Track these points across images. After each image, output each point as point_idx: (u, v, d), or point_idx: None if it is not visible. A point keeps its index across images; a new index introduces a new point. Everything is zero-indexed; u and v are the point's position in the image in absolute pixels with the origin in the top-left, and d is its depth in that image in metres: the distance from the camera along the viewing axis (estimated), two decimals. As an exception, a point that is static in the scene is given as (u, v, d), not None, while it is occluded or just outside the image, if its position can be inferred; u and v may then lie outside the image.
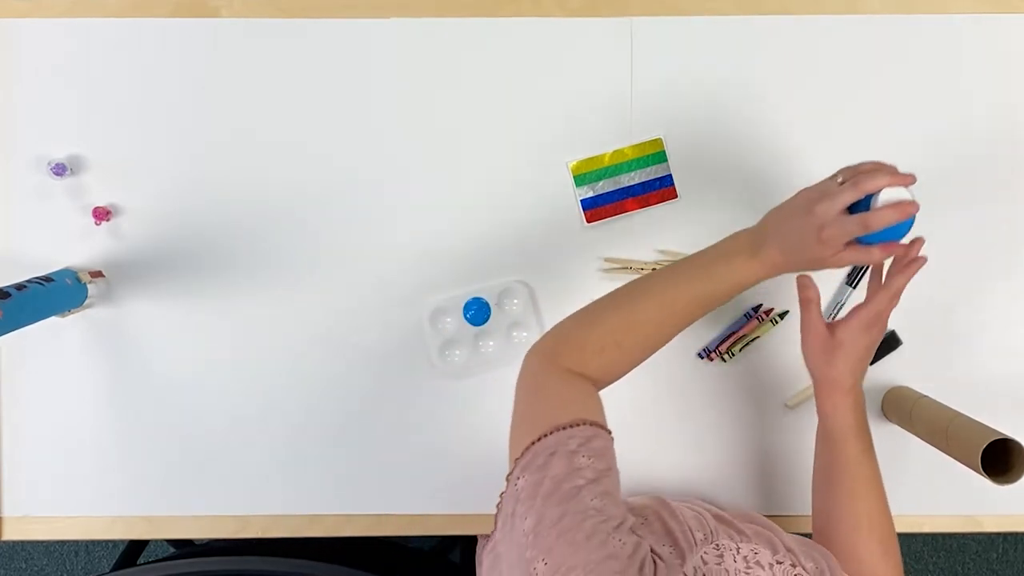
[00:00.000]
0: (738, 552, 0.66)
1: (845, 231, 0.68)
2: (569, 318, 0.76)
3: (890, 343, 0.96)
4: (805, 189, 0.73)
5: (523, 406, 0.69)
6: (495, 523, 0.64)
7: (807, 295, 0.79)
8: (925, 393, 0.94)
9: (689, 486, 0.98)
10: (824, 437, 0.81)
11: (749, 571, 0.63)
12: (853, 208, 0.70)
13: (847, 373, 0.78)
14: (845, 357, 0.78)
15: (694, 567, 0.62)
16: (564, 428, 0.62)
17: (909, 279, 0.74)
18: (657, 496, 0.79)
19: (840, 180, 0.70)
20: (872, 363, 0.96)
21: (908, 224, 0.70)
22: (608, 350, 0.72)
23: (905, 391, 0.96)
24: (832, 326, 0.78)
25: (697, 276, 0.74)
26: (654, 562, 0.54)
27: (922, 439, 0.90)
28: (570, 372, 0.71)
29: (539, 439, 0.62)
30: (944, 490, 0.99)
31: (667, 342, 0.75)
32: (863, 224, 0.67)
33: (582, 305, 0.97)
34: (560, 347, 0.73)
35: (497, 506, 0.64)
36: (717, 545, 0.66)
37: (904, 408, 0.93)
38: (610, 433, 0.65)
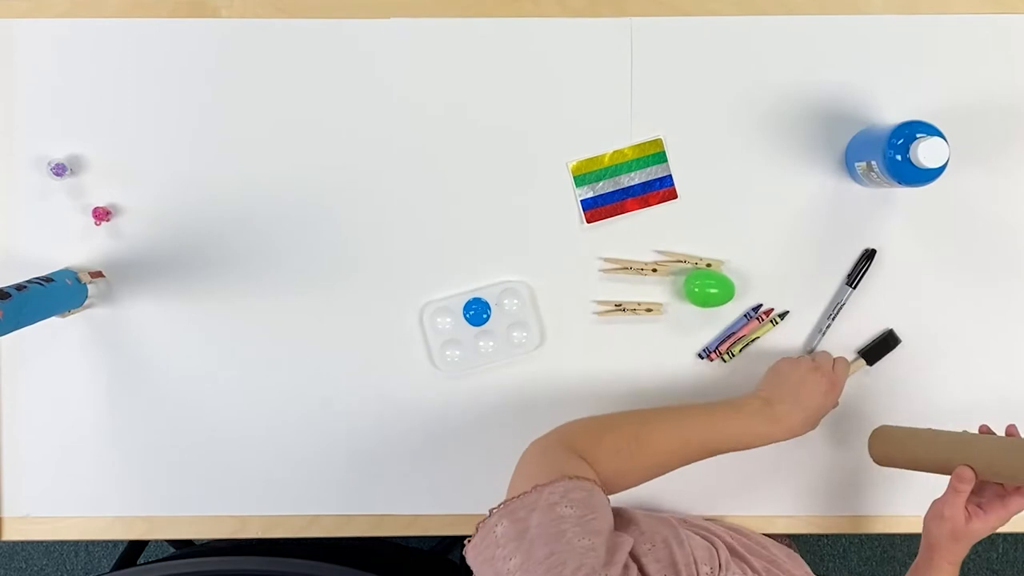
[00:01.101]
0: None
1: (844, 377, 0.89)
2: (581, 420, 0.79)
3: (888, 342, 0.96)
4: (787, 364, 0.89)
5: (515, 474, 0.72)
6: (465, 557, 0.65)
7: (962, 487, 0.78)
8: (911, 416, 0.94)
9: (688, 486, 0.98)
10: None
11: None
12: (892, 155, 0.81)
13: (966, 548, 0.81)
14: (972, 542, 0.81)
15: None
16: (544, 486, 0.64)
17: None
18: (671, 518, 0.79)
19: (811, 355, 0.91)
20: (871, 363, 0.96)
21: (940, 170, 0.80)
22: (623, 453, 0.75)
23: (893, 431, 0.90)
24: (971, 517, 0.79)
25: (715, 430, 0.80)
26: None
27: (932, 471, 0.83)
28: (573, 451, 0.72)
29: (519, 496, 0.64)
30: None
31: (675, 469, 0.79)
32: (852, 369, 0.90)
33: (581, 304, 0.97)
34: (574, 436, 0.75)
35: (467, 540, 0.65)
36: None
37: (896, 448, 0.88)
38: (594, 482, 0.67)
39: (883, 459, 0.89)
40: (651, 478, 0.78)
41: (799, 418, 0.83)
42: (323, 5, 0.96)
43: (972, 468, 0.76)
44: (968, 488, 0.77)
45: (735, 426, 0.81)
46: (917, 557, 0.84)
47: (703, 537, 0.74)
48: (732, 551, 0.76)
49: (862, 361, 0.96)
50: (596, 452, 0.73)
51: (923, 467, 0.84)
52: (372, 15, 0.95)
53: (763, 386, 0.88)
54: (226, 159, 0.96)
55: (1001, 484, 0.78)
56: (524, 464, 0.73)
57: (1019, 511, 0.78)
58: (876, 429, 0.91)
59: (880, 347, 0.96)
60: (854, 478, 0.99)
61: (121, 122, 0.96)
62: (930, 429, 0.87)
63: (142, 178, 0.96)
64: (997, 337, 0.98)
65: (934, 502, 0.81)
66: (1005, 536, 1.79)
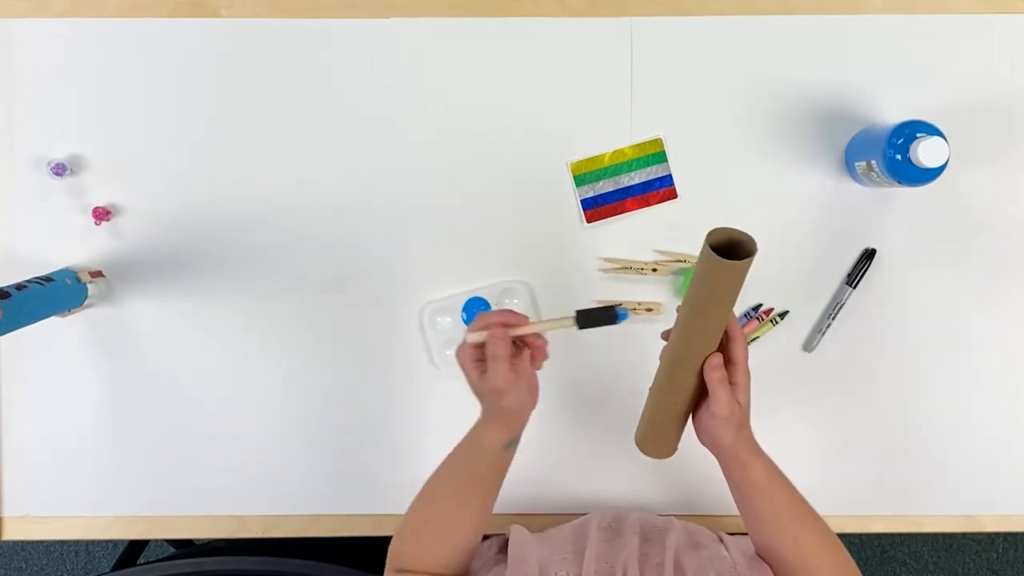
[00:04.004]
0: None
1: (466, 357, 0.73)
2: (400, 524, 0.82)
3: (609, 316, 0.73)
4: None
5: None
6: None
7: (719, 374, 0.70)
8: None
9: (688, 484, 0.98)
10: (745, 495, 0.76)
11: None
12: (892, 154, 0.81)
13: (750, 430, 0.75)
14: (748, 420, 0.75)
15: None
16: None
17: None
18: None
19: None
20: (582, 327, 0.74)
21: (940, 170, 0.80)
22: (428, 544, 0.78)
23: (641, 431, 0.80)
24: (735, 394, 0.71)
25: (470, 455, 0.79)
26: None
27: (686, 415, 0.75)
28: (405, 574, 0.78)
29: None
30: (944, 490, 0.99)
31: (481, 516, 0.79)
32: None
33: (581, 304, 0.97)
34: (396, 555, 0.80)
35: None
36: None
37: (653, 435, 0.79)
38: None
39: (660, 449, 0.78)
40: (466, 536, 0.79)
41: (491, 409, 0.77)
42: (323, 5, 0.96)
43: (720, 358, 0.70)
44: (724, 371, 0.70)
45: (472, 447, 0.79)
46: (725, 475, 0.76)
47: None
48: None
49: (569, 320, 0.74)
50: (417, 561, 0.77)
51: (679, 422, 0.76)
52: (372, 15, 0.96)
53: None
54: (226, 159, 0.96)
55: (715, 352, 0.71)
56: None
57: (746, 355, 0.72)
58: (638, 440, 0.80)
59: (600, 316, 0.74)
60: (852, 477, 0.99)
61: (121, 122, 0.96)
62: (648, 396, 0.78)
63: (142, 178, 0.96)
64: (997, 336, 0.98)
65: (703, 417, 0.73)
66: (1005, 536, 1.79)
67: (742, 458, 0.73)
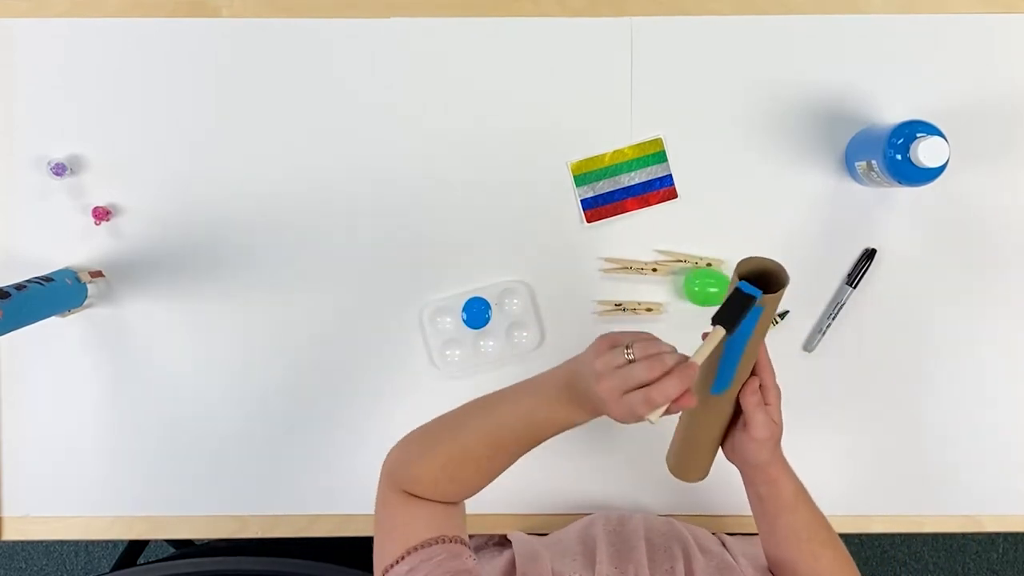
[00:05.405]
0: None
1: (631, 412, 0.62)
2: (410, 439, 0.78)
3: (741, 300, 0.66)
4: (598, 355, 0.65)
5: (376, 533, 0.74)
6: None
7: (757, 398, 0.71)
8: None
9: (688, 485, 0.98)
10: (769, 509, 0.76)
11: None
12: (892, 154, 0.81)
13: (780, 448, 0.75)
14: (781, 435, 0.74)
15: None
16: (416, 550, 0.69)
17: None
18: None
19: (630, 355, 0.63)
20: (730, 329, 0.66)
21: (940, 169, 0.80)
22: (442, 483, 0.74)
23: (675, 455, 0.80)
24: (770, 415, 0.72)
25: (521, 416, 0.72)
26: None
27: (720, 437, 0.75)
28: (403, 493, 0.75)
29: (393, 564, 0.68)
30: (944, 490, 0.99)
31: (506, 468, 0.75)
32: (649, 402, 0.61)
33: (581, 304, 0.97)
34: (399, 474, 0.77)
35: None
36: None
37: (688, 458, 0.78)
38: (453, 541, 0.70)
39: (695, 474, 0.79)
40: (487, 483, 0.75)
41: (599, 410, 0.67)
42: (323, 5, 0.96)
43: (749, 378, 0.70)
44: (760, 396, 0.70)
45: (544, 417, 0.70)
46: (749, 489, 0.76)
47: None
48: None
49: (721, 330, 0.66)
50: (420, 487, 0.75)
51: (713, 449, 0.76)
52: (372, 15, 0.95)
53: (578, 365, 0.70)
54: (226, 159, 0.96)
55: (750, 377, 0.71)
56: (376, 521, 0.76)
57: (775, 376, 0.72)
58: (672, 468, 0.80)
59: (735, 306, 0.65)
60: (852, 477, 0.99)
61: (121, 122, 0.96)
62: (680, 424, 0.77)
63: (142, 178, 0.96)
64: (997, 336, 0.97)
65: (738, 439, 0.73)
66: (1006, 536, 1.79)
67: (773, 475, 0.74)
